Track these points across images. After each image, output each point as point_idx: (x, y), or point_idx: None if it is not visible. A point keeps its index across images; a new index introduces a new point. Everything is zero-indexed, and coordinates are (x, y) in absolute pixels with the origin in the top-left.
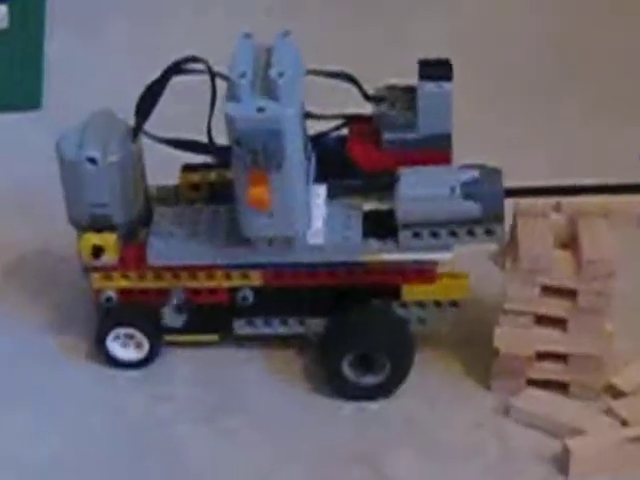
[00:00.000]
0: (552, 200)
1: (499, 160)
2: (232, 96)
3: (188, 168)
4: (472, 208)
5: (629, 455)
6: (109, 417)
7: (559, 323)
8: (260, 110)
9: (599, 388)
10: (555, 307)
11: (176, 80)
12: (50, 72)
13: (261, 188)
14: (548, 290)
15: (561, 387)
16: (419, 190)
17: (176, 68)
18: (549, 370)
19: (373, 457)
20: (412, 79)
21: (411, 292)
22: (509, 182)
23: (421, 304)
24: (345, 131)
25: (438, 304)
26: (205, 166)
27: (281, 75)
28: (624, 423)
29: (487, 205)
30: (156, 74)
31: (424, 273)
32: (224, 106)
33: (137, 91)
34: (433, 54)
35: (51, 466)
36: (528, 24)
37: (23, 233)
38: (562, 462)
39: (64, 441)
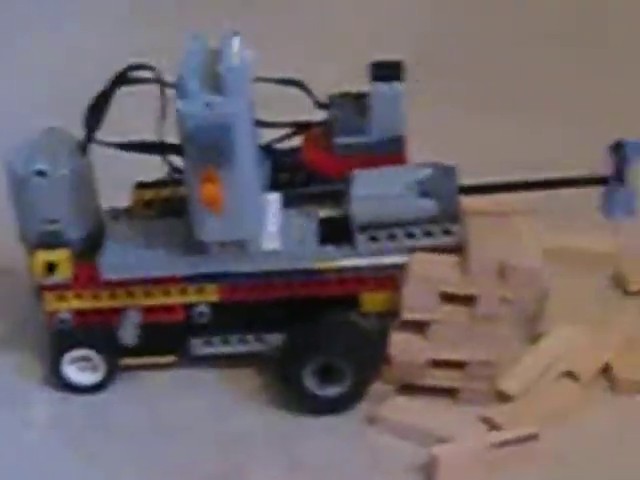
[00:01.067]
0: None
1: None
2: (181, 93)
3: (140, 185)
4: (428, 205)
5: (496, 460)
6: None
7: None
8: (209, 105)
9: (490, 394)
10: (453, 315)
11: None
12: None
13: (213, 186)
14: (447, 297)
15: (450, 393)
16: (373, 189)
17: (122, 77)
18: (442, 377)
19: (236, 475)
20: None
21: (371, 301)
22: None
23: (382, 315)
24: (296, 142)
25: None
26: (158, 183)
27: (229, 70)
28: (494, 428)
29: (443, 202)
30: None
31: (383, 281)
32: (174, 104)
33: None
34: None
35: None
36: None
37: None
38: (430, 471)
39: None
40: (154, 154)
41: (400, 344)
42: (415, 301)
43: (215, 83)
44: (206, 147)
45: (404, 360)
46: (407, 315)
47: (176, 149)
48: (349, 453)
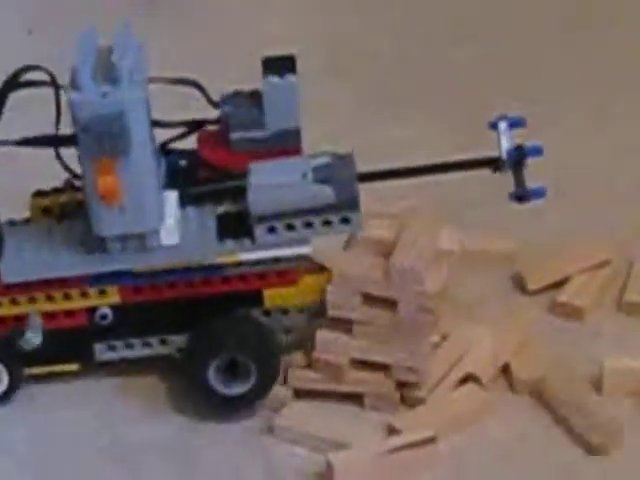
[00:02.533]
0: None
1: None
2: (75, 85)
3: (38, 194)
4: (325, 192)
5: (392, 465)
6: None
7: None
8: (104, 95)
9: (395, 400)
10: (375, 317)
11: None
12: None
13: (110, 177)
14: (370, 299)
15: (356, 400)
16: (270, 179)
17: (14, 81)
18: (355, 381)
19: None
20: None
21: (273, 298)
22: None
23: (285, 311)
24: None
25: (301, 310)
26: (55, 190)
27: (123, 58)
28: (392, 432)
29: (340, 188)
30: None
31: (285, 275)
32: (67, 95)
33: None
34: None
35: None
36: None
37: None
38: (327, 478)
39: None
40: (51, 147)
41: (325, 342)
42: (338, 298)
43: (109, 74)
44: (102, 136)
45: (325, 359)
46: (332, 312)
47: (72, 140)
48: (245, 463)
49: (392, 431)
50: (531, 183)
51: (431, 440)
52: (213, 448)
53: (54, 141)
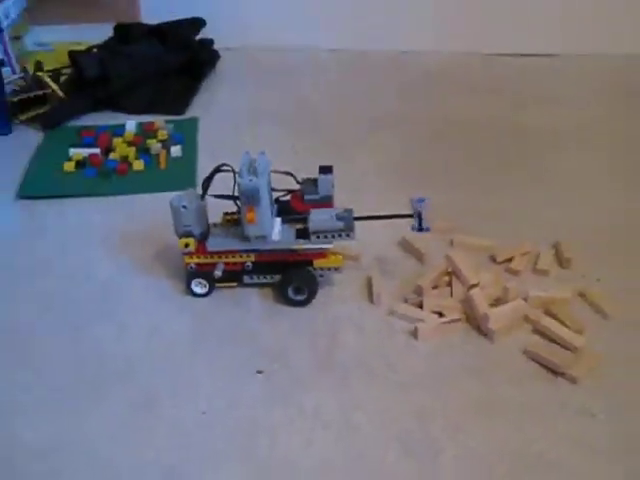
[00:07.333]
0: None
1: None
2: (241, 175)
3: (226, 214)
4: (339, 224)
5: (446, 330)
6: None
7: None
8: (251, 180)
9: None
10: None
11: None
12: None
13: (251, 214)
14: None
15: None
16: (318, 217)
17: (217, 169)
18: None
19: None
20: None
21: (318, 263)
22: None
23: (322, 268)
24: (288, 197)
25: (328, 269)
26: (232, 213)
27: (259, 166)
28: (440, 315)
29: (346, 222)
30: None
31: (322, 254)
32: (237, 179)
33: None
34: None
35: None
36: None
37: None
38: (415, 334)
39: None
40: (231, 200)
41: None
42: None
43: (254, 171)
44: (248, 198)
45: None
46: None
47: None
48: (376, 330)
49: (440, 313)
50: (425, 224)
51: (456, 320)
52: (349, 332)
53: (233, 198)
